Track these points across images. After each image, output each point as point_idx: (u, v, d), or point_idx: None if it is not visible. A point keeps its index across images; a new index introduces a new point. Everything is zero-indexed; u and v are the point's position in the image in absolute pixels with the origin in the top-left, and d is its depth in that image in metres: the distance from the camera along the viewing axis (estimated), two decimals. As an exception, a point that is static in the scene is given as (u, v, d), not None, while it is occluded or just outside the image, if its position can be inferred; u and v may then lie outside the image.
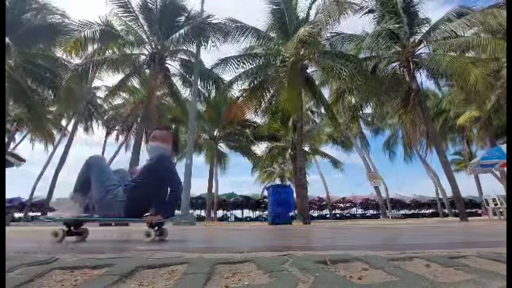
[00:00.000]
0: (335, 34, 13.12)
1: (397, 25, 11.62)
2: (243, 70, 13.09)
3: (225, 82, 13.66)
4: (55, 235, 1.98)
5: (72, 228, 2.14)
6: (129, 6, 12.37)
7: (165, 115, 18.44)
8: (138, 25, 12.94)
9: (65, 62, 13.47)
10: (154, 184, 2.16)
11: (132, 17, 12.68)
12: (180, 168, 22.33)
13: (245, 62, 13.05)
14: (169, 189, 2.22)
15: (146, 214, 2.23)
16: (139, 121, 14.65)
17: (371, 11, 13.28)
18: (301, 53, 12.23)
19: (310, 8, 13.03)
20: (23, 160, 10.35)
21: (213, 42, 12.42)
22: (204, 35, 12.21)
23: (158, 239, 2.12)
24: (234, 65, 12.95)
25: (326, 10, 11.69)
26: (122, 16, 12.57)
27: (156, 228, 2.11)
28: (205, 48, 12.46)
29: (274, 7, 12.90)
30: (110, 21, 12.44)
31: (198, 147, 20.70)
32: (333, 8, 11.43)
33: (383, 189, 24.22)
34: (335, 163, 24.70)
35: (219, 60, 13.12)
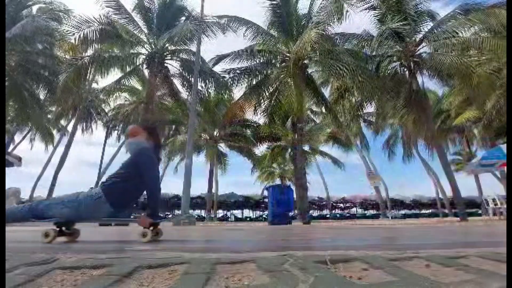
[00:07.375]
0: (337, 34, 13.08)
1: (399, 23, 11.54)
2: (242, 66, 13.12)
3: (224, 78, 13.63)
4: (46, 236, 1.93)
5: (63, 228, 2.10)
6: (124, 8, 12.40)
7: (166, 115, 18.40)
8: (136, 26, 12.92)
9: (65, 60, 13.42)
10: (133, 176, 2.14)
11: (128, 18, 12.68)
12: (180, 168, 22.37)
13: (245, 58, 13.07)
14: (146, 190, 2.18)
15: (134, 215, 2.23)
16: (139, 121, 14.64)
17: (373, 8, 13.20)
18: (303, 52, 12.20)
19: (311, 5, 13.03)
20: (19, 159, 10.36)
21: (214, 36, 12.47)
22: (205, 33, 12.21)
23: (153, 239, 2.11)
24: (233, 61, 13.00)
25: (328, 9, 11.70)
26: (119, 18, 12.58)
27: (152, 228, 2.09)
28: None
29: (274, 1, 12.88)
30: (110, 20, 12.41)
31: (198, 147, 20.66)
32: (335, 7, 11.43)
33: (383, 189, 24.20)
34: (336, 163, 24.69)
35: (218, 55, 13.15)
